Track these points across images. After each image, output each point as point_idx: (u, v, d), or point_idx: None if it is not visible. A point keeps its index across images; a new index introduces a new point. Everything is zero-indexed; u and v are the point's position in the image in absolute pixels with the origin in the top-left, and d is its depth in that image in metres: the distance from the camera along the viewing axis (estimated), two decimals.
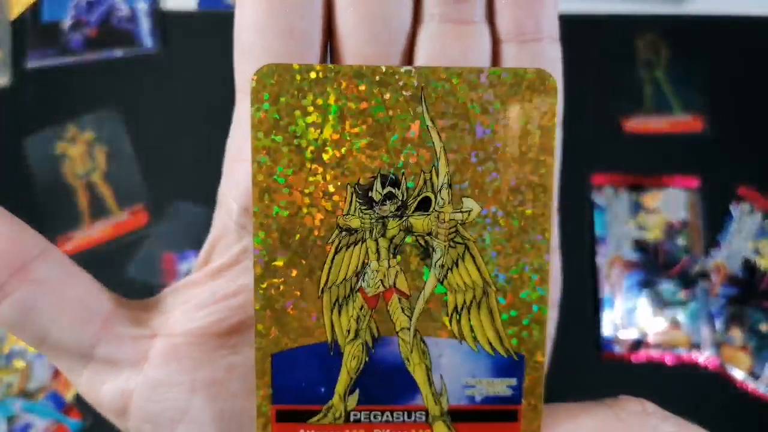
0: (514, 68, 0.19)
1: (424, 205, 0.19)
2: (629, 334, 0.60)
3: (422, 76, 0.18)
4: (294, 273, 0.19)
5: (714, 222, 0.63)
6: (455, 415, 0.20)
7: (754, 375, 0.59)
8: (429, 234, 0.19)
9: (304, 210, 0.19)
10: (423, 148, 0.19)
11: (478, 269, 0.19)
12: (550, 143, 0.19)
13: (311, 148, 0.18)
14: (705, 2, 0.68)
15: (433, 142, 0.19)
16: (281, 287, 0.19)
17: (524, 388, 0.20)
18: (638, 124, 0.66)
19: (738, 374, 0.59)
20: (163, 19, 0.69)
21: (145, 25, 0.69)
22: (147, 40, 0.68)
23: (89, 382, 0.20)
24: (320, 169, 0.19)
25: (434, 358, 0.20)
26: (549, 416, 0.20)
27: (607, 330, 0.61)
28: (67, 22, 0.68)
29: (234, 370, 0.20)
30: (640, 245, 0.63)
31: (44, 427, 0.58)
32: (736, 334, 0.60)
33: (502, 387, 0.20)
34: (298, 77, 0.18)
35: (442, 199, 0.19)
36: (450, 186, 0.19)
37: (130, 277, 0.63)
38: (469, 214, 0.19)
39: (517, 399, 0.20)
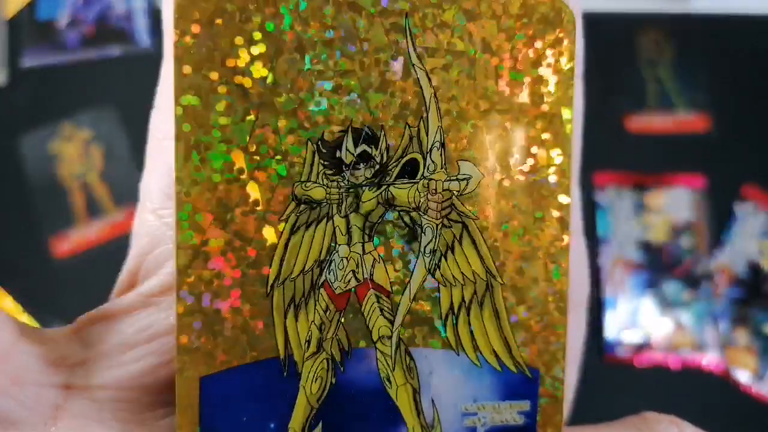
0: None
1: (410, 171, 0.14)
2: (633, 336, 0.59)
3: None
4: (232, 262, 0.14)
5: (719, 222, 0.62)
6: None
7: (760, 376, 0.58)
8: (416, 209, 0.14)
9: (247, 174, 0.14)
10: (408, 95, 0.14)
11: (480, 256, 0.15)
12: (567, 92, 0.14)
13: (258, 89, 0.14)
14: (708, 0, 0.68)
15: (422, 87, 0.14)
16: (214, 282, 0.14)
17: (539, 416, 0.15)
18: (641, 122, 0.65)
19: (743, 376, 0.58)
20: (159, 17, 0.68)
21: (141, 23, 0.68)
22: (143, 38, 0.67)
23: None
24: (270, 119, 0.14)
25: (423, 376, 0.15)
26: None
27: (610, 332, 0.60)
28: (63, 20, 0.68)
29: None
30: (644, 245, 0.62)
31: None
32: (741, 335, 0.59)
33: (511, 413, 0.15)
34: None
35: (433, 162, 0.14)
36: (443, 145, 0.14)
37: None
38: (467, 183, 0.14)
39: (530, 429, 0.15)
